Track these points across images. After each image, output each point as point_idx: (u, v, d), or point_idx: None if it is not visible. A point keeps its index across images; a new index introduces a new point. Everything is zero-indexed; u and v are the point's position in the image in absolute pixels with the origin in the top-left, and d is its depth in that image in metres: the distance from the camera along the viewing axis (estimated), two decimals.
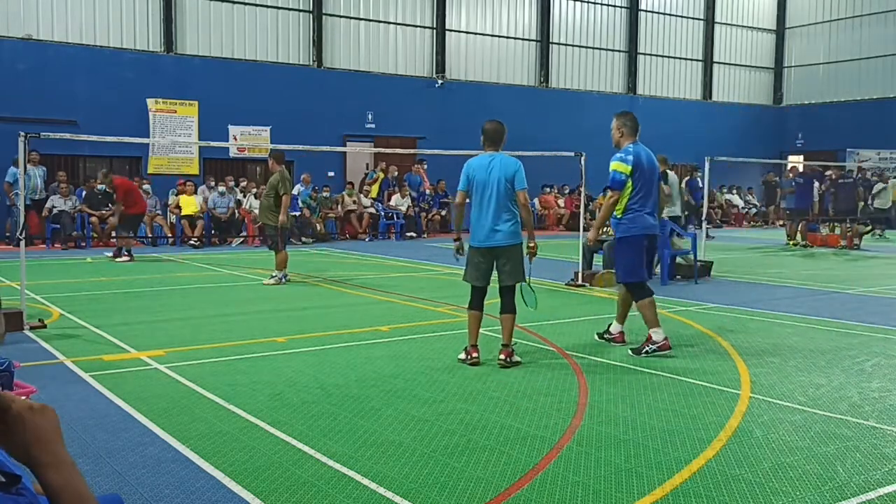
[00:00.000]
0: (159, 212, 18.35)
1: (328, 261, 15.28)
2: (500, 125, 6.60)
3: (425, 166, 22.86)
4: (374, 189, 21.74)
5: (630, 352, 6.86)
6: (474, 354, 6.39)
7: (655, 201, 7.12)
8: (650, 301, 6.87)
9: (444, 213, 22.65)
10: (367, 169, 22.68)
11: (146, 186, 18.35)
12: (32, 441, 1.57)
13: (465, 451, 4.34)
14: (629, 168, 6.85)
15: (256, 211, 18.76)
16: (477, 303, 6.53)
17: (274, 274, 11.56)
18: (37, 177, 17.49)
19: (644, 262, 7.01)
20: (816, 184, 21.08)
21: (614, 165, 6.90)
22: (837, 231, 18.95)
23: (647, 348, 6.77)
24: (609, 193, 6.99)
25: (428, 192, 22.57)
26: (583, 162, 11.84)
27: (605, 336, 7.38)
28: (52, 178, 18.02)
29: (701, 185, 19.66)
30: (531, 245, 6.55)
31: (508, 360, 6.35)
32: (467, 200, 6.60)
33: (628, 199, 6.90)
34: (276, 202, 11.50)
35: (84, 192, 17.92)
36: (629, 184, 6.87)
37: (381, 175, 21.94)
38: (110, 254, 14.58)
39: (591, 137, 21.96)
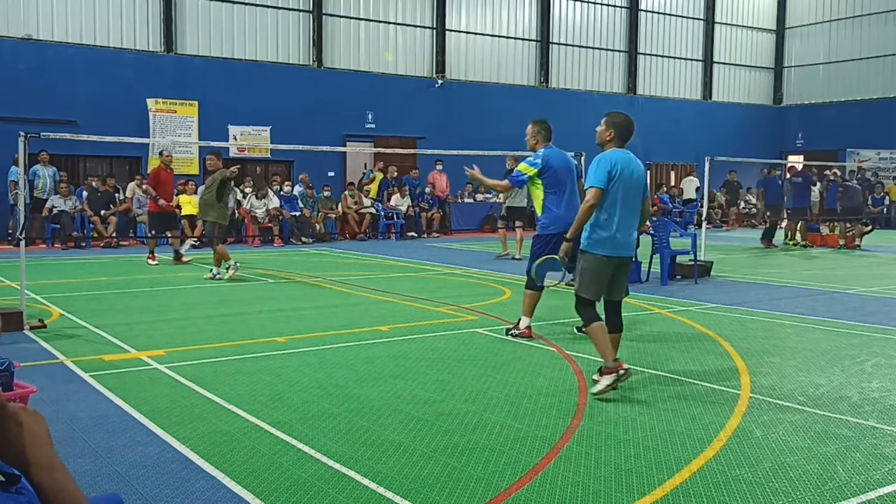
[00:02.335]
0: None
1: (328, 261, 15.28)
2: (633, 121, 5.81)
3: (440, 167, 22.58)
4: (374, 189, 21.74)
5: (505, 330, 7.68)
6: (623, 366, 5.48)
7: (571, 198, 7.47)
8: (536, 294, 7.52)
9: (444, 213, 22.65)
10: (365, 169, 22.66)
11: (145, 186, 18.34)
12: (28, 442, 1.57)
13: (465, 451, 4.34)
14: (534, 171, 7.34)
15: (257, 211, 18.82)
16: (596, 312, 5.67)
17: (212, 269, 11.83)
18: (46, 176, 17.53)
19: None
20: (819, 184, 21.08)
21: (520, 167, 7.48)
22: (837, 231, 18.95)
23: (512, 331, 7.59)
24: (502, 182, 7.87)
25: (434, 192, 22.39)
26: (583, 162, 11.81)
27: (583, 330, 7.48)
28: None
29: (780, 182, 19.38)
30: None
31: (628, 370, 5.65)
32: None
33: (543, 198, 7.44)
34: (217, 198, 11.83)
35: (84, 192, 17.93)
36: (539, 184, 7.39)
37: (379, 175, 21.92)
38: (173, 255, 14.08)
39: (592, 137, 21.77)
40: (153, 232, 14.29)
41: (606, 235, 5.55)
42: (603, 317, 5.75)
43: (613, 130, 5.70)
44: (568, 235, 5.75)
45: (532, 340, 7.40)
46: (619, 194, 5.54)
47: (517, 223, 16.36)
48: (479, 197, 23.88)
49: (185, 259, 13.89)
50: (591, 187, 5.50)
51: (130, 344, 7.12)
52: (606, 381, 5.39)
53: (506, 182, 7.81)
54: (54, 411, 4.99)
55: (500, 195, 16.84)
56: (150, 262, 13.85)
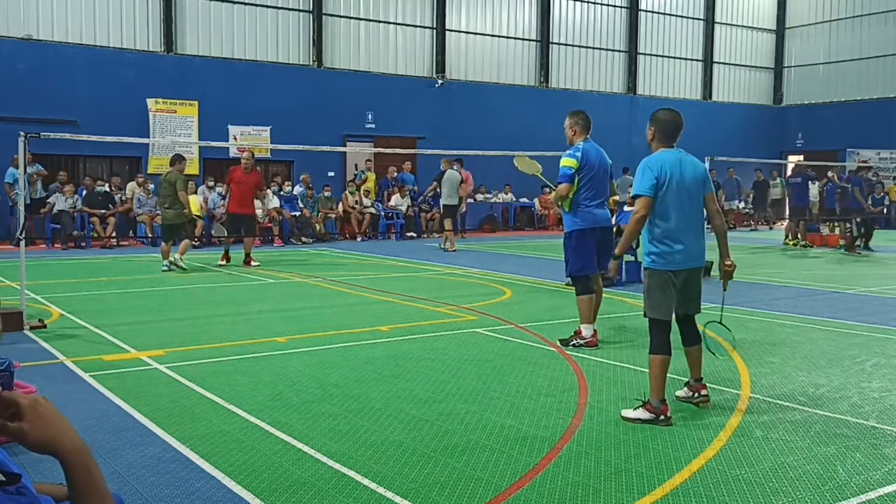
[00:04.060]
0: (159, 212, 18.31)
1: (328, 261, 15.28)
2: (679, 115, 5.28)
3: (455, 166, 22.06)
4: (373, 189, 21.71)
5: (559, 341, 7.25)
6: (668, 412, 4.93)
7: (604, 196, 7.35)
8: (589, 298, 7.22)
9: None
10: (356, 170, 22.59)
11: (149, 186, 18.38)
12: (54, 425, 1.59)
13: (465, 451, 4.34)
14: (576, 163, 7.07)
15: (258, 211, 18.81)
16: (668, 342, 5.02)
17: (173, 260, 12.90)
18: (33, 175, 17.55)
19: (593, 255, 7.25)
20: (818, 183, 21.08)
21: (563, 161, 7.16)
22: (837, 231, 18.95)
23: (574, 342, 7.14)
24: (560, 186, 7.14)
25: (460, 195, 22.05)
26: None
27: (571, 343, 7.36)
28: (51, 178, 18.05)
29: (874, 181, 18.56)
30: (728, 263, 5.27)
31: (707, 395, 5.29)
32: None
33: (576, 194, 7.13)
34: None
35: (84, 192, 17.93)
36: (576, 179, 7.09)
37: (371, 175, 21.87)
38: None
39: (592, 137, 21.78)
40: (226, 233, 14.40)
41: (667, 249, 5.00)
42: (680, 333, 5.30)
43: (655, 127, 5.23)
44: (617, 252, 5.20)
45: (533, 340, 7.39)
46: (671, 200, 4.97)
47: (448, 219, 17.64)
48: (480, 197, 23.88)
49: (253, 263, 13.70)
50: (637, 196, 4.98)
51: (130, 344, 7.12)
52: (642, 415, 4.92)
53: (563, 185, 7.05)
54: None
55: (441, 193, 18.31)
56: (222, 262, 13.72)
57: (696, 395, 5.27)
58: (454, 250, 16.90)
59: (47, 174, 17.90)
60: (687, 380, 5.40)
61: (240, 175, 13.68)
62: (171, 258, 12.86)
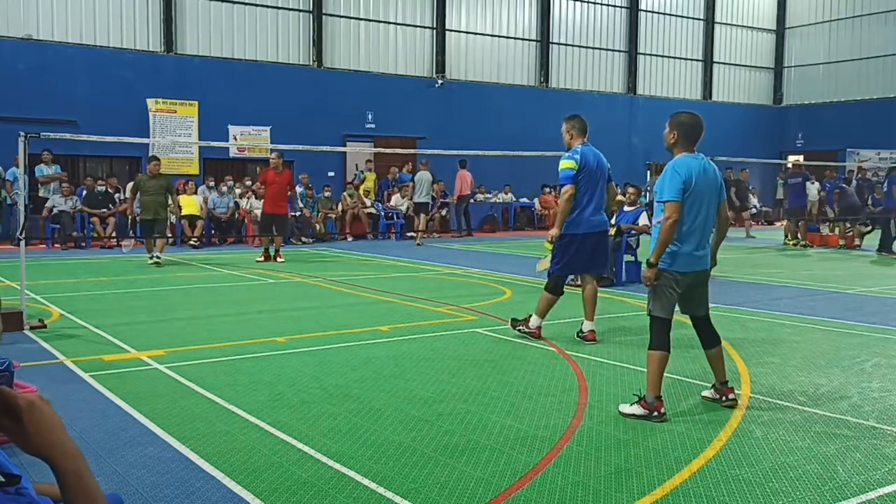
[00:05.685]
0: None
1: (328, 261, 15.28)
2: (701, 119, 5.23)
3: (460, 170, 21.83)
4: (373, 189, 21.72)
5: (511, 319, 7.68)
6: (662, 409, 4.98)
7: (601, 200, 7.35)
8: (554, 298, 7.42)
9: (444, 212, 22.62)
10: (357, 170, 22.59)
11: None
12: (49, 430, 1.57)
13: (465, 451, 4.34)
14: (576, 165, 7.14)
15: (257, 211, 18.82)
16: (668, 340, 5.11)
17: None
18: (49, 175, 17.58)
19: (579, 260, 7.33)
20: (816, 183, 21.09)
21: (563, 164, 7.21)
22: (837, 231, 18.94)
23: (520, 327, 7.48)
24: (564, 188, 7.22)
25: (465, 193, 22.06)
26: None
27: (579, 335, 7.48)
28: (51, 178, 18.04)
29: (874, 181, 18.54)
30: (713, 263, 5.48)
31: (735, 399, 5.34)
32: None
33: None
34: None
35: (84, 192, 17.93)
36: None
37: (371, 175, 21.89)
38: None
39: (592, 137, 21.73)
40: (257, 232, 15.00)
41: (679, 251, 5.05)
42: (698, 336, 5.44)
43: (678, 132, 5.14)
44: (652, 260, 5.05)
45: (533, 340, 7.39)
46: (691, 205, 5.02)
47: (421, 216, 19.30)
48: (480, 197, 23.88)
49: (279, 259, 14.34)
50: (667, 201, 4.96)
51: (130, 344, 7.12)
52: (636, 411, 4.98)
53: (567, 187, 7.09)
54: None
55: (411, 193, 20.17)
56: (259, 259, 14.41)
57: (724, 398, 5.31)
58: (419, 244, 18.71)
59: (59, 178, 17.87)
60: (713, 382, 5.43)
61: (272, 176, 14.26)
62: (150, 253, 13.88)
